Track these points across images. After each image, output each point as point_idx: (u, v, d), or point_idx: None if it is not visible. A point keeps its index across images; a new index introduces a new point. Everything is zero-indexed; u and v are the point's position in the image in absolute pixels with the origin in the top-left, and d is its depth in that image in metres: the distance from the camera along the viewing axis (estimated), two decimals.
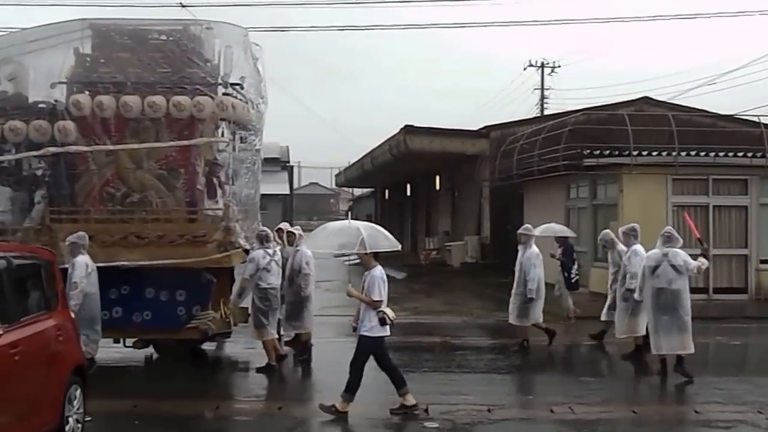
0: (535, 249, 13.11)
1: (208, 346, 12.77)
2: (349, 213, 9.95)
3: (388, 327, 8.77)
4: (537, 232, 16.23)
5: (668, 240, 10.74)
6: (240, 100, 11.93)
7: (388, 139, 30.28)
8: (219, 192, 11.88)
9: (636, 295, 11.30)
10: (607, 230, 13.85)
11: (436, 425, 8.40)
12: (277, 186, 58.35)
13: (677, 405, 9.71)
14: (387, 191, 49.65)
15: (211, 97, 11.31)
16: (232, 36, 11.98)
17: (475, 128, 28.58)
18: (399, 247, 9.19)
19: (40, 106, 11.52)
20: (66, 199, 11.41)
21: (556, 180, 20.68)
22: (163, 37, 11.83)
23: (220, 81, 11.61)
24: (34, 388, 6.61)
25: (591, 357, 12.47)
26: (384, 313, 8.64)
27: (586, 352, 12.57)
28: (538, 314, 13.10)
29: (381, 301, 8.66)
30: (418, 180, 38.56)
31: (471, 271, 25.85)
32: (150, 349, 12.16)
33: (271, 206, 52.68)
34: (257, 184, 13.12)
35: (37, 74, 11.71)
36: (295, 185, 71.87)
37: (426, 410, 8.89)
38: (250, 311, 11.77)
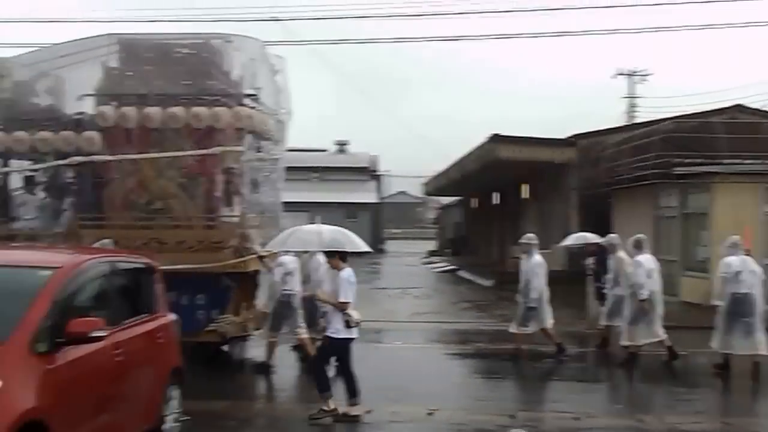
0: (538, 258, 13.23)
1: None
2: (316, 219, 10.27)
3: (354, 329, 8.86)
4: (569, 241, 16.26)
5: (740, 248, 11.19)
6: (257, 110, 12.29)
7: (476, 148, 30.37)
8: (236, 199, 12.25)
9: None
10: (615, 235, 14.02)
11: None
12: (367, 195, 59.08)
13: None
14: (474, 200, 49.61)
15: (229, 108, 11.68)
16: (251, 48, 12.38)
17: (562, 136, 28.44)
18: (368, 249, 9.45)
19: (76, 117, 12.09)
20: (92, 207, 11.96)
21: (645, 189, 20.44)
22: (185, 51, 12.26)
23: (237, 92, 12.00)
24: (135, 387, 6.84)
25: (681, 367, 12.36)
26: (349, 315, 8.76)
27: (676, 362, 12.45)
28: (546, 322, 13.27)
29: (347, 303, 8.79)
30: (504, 188, 38.48)
31: (557, 279, 25.70)
32: None
33: (360, 215, 53.57)
34: (277, 192, 13.48)
35: (71, 87, 12.30)
36: (384, 194, 72.37)
37: (513, 417, 9.07)
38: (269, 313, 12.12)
